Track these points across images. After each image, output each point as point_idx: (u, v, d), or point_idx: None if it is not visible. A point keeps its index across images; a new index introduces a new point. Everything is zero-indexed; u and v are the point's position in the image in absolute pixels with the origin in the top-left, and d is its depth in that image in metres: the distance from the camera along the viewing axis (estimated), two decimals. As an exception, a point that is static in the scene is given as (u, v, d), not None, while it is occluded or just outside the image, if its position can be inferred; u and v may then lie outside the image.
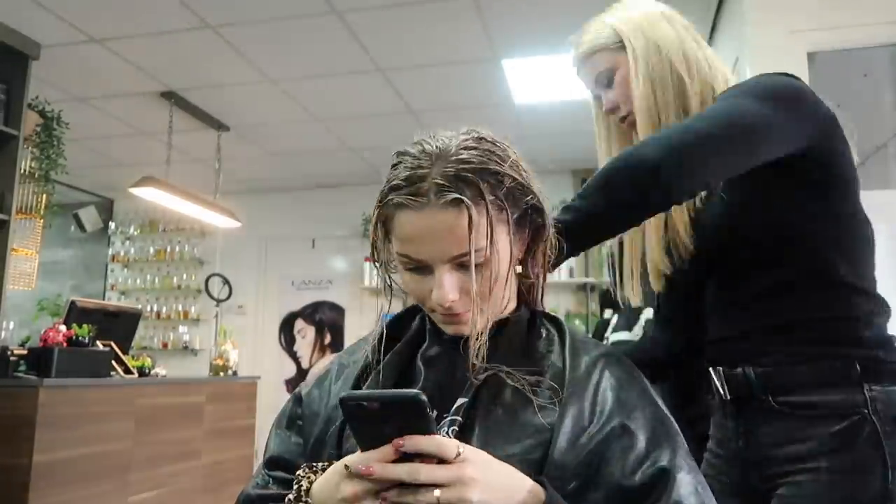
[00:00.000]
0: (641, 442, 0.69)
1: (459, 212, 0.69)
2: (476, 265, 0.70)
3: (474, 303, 0.71)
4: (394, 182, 0.72)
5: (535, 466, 0.66)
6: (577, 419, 0.69)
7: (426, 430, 0.59)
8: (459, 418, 0.71)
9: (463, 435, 0.69)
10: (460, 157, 0.71)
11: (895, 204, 3.19)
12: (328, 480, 0.65)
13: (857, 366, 0.90)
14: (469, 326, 0.73)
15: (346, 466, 0.61)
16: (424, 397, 0.57)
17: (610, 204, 0.87)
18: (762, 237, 0.98)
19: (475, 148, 0.72)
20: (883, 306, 0.97)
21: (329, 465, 0.68)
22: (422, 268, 0.73)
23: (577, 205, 0.88)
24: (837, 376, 0.89)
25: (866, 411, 0.89)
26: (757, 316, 0.98)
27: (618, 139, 1.16)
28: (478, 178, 0.70)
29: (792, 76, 0.99)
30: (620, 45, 1.08)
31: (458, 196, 0.69)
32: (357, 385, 0.80)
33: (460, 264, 0.71)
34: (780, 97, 0.93)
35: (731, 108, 0.91)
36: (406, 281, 0.76)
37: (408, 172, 0.71)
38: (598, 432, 0.69)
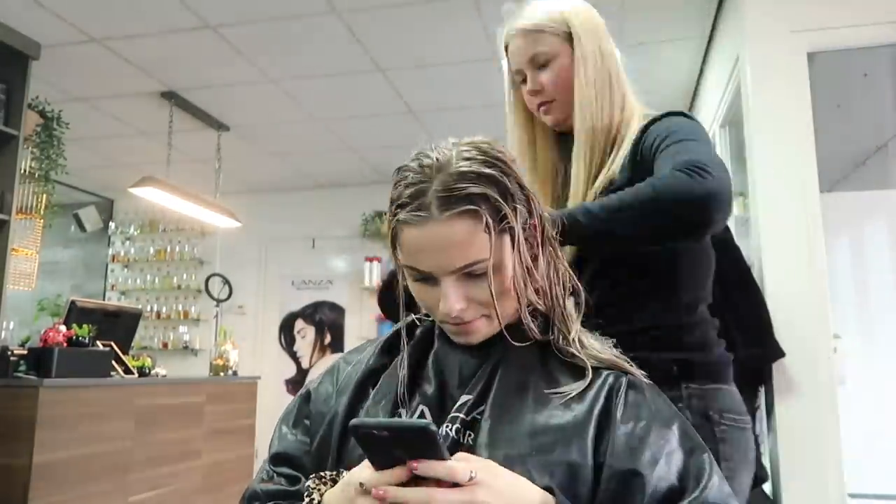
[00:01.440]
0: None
1: (462, 224, 0.69)
2: (481, 274, 0.71)
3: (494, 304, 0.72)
4: (398, 200, 0.73)
5: (547, 468, 0.67)
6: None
7: (437, 457, 0.60)
8: (462, 415, 0.72)
9: (469, 432, 0.71)
10: (460, 169, 0.71)
11: (895, 204, 3.19)
12: (341, 495, 0.66)
13: (675, 367, 1.03)
14: (479, 336, 0.75)
15: (361, 484, 0.62)
16: (434, 427, 0.59)
17: (642, 227, 0.91)
18: (632, 258, 1.07)
19: (474, 159, 0.72)
20: (706, 317, 1.13)
21: (337, 476, 0.69)
22: (428, 279, 0.74)
23: (599, 214, 0.91)
24: (661, 375, 0.93)
25: (682, 405, 1.01)
26: (615, 321, 1.02)
27: (519, 112, 1.19)
28: (478, 189, 0.70)
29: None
30: (567, 36, 1.12)
31: (459, 209, 0.69)
32: (363, 388, 0.80)
33: (466, 274, 0.72)
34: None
35: (713, 152, 0.98)
36: (415, 291, 0.77)
37: (410, 190, 0.72)
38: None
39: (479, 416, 0.71)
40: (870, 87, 3.36)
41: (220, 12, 3.03)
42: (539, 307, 0.79)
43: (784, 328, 2.08)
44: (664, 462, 0.67)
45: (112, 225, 6.05)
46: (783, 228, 2.19)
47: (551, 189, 1.19)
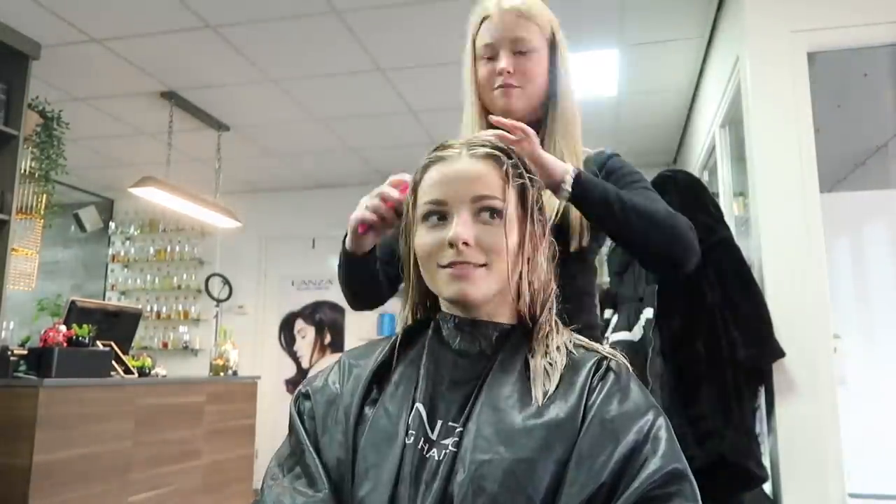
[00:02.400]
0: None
1: (484, 164, 0.79)
2: (491, 220, 0.77)
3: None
4: (426, 158, 0.83)
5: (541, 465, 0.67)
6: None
7: None
8: (459, 426, 0.72)
9: (463, 435, 0.71)
10: (481, 136, 0.84)
11: (895, 204, 3.19)
12: None
13: None
14: (475, 289, 0.76)
15: None
16: None
17: (648, 232, 1.00)
18: (579, 269, 1.15)
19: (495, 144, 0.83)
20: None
21: None
22: (441, 215, 0.78)
23: (623, 196, 1.00)
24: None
25: None
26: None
27: (474, 84, 1.19)
28: (501, 148, 0.81)
29: None
30: (550, 41, 1.16)
31: (484, 152, 0.79)
32: (368, 389, 0.80)
33: (478, 214, 0.77)
34: None
35: None
36: (422, 240, 0.79)
37: (438, 150, 0.83)
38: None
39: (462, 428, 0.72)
40: (870, 87, 3.36)
41: (220, 12, 3.03)
42: (527, 299, 0.81)
43: (784, 328, 2.08)
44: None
45: (112, 225, 6.04)
46: (783, 228, 2.19)
47: None
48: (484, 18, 1.15)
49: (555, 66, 1.16)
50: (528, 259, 0.79)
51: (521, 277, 0.78)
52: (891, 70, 3.16)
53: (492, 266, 0.76)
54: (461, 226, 0.75)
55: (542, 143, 1.10)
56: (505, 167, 0.79)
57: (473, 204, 0.77)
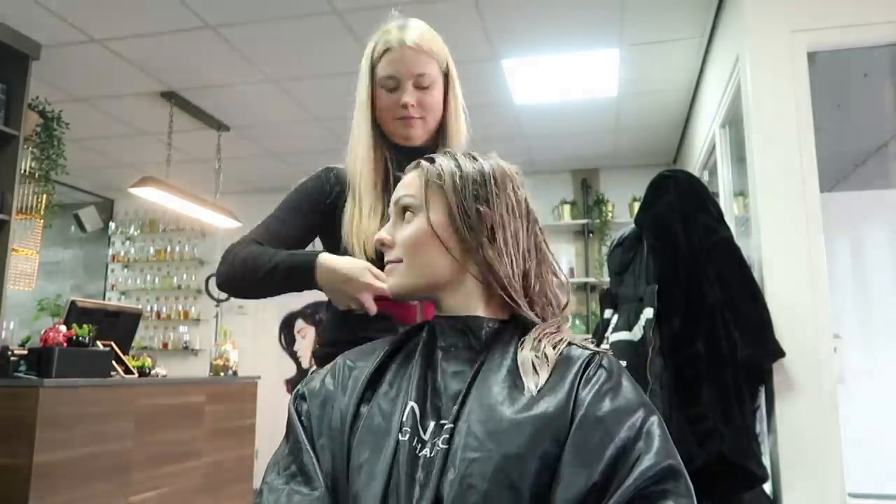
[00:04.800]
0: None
1: (411, 174, 0.87)
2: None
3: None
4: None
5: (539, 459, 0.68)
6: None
7: None
8: (450, 424, 0.73)
9: (455, 434, 0.72)
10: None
11: (895, 204, 3.19)
12: None
13: None
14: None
15: None
16: None
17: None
18: None
19: None
20: None
21: None
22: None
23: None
24: None
25: None
26: None
27: (370, 111, 1.24)
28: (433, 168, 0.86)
29: None
30: (444, 74, 1.25)
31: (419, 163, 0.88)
32: (364, 390, 0.81)
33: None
34: None
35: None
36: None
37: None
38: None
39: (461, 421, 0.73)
40: (870, 87, 3.36)
41: (220, 12, 3.03)
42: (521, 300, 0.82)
43: (784, 328, 2.08)
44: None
45: (112, 225, 6.05)
46: (783, 228, 2.19)
47: (380, 191, 1.23)
48: (386, 50, 1.22)
49: (447, 95, 1.26)
50: (483, 253, 0.80)
51: (482, 274, 0.81)
52: (891, 70, 3.16)
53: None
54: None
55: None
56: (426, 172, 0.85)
57: (395, 205, 0.87)
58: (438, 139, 1.28)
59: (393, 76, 1.20)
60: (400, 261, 0.84)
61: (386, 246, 0.86)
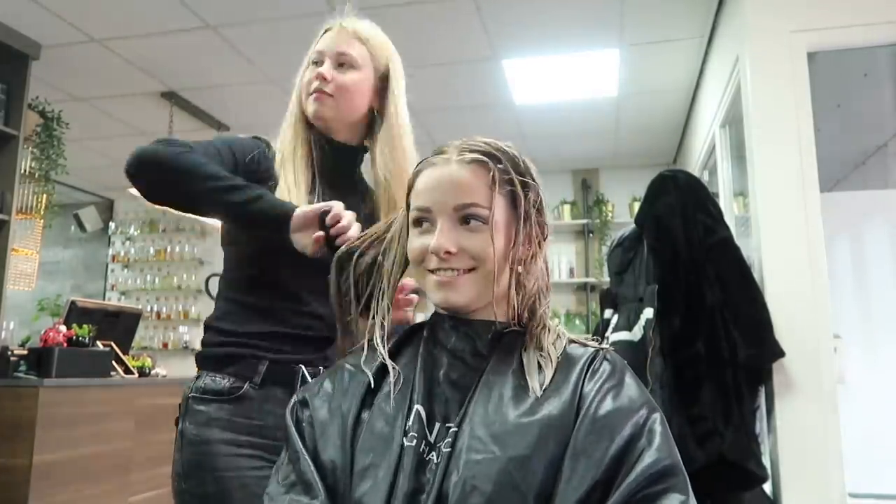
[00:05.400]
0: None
1: (470, 170, 0.78)
2: (476, 227, 0.77)
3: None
4: (420, 162, 0.83)
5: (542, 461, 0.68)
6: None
7: None
8: (454, 427, 0.72)
9: (459, 436, 0.71)
10: (477, 139, 0.81)
11: (895, 204, 3.19)
12: None
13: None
14: (457, 296, 0.78)
15: None
16: None
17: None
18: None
19: (489, 141, 0.82)
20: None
21: None
22: (428, 222, 0.79)
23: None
24: None
25: None
26: None
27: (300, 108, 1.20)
28: (492, 150, 0.79)
29: None
30: (382, 72, 1.21)
31: (472, 157, 0.78)
32: (366, 393, 0.80)
33: (462, 221, 0.78)
34: None
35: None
36: (412, 245, 0.81)
37: (434, 153, 0.82)
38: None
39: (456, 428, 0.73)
40: (870, 87, 3.36)
41: (220, 12, 3.03)
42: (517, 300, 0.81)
43: (784, 328, 2.08)
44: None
45: (112, 225, 6.05)
46: (783, 228, 2.19)
47: (305, 174, 1.16)
48: (326, 30, 1.21)
49: (384, 96, 1.21)
50: (523, 261, 0.80)
51: (514, 280, 0.79)
52: (891, 70, 3.16)
53: (479, 270, 0.77)
54: (442, 236, 0.77)
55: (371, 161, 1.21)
56: (492, 173, 0.78)
57: (457, 212, 0.78)
58: (365, 138, 1.23)
59: (320, 51, 1.19)
60: (472, 269, 0.78)
61: (447, 255, 0.77)
